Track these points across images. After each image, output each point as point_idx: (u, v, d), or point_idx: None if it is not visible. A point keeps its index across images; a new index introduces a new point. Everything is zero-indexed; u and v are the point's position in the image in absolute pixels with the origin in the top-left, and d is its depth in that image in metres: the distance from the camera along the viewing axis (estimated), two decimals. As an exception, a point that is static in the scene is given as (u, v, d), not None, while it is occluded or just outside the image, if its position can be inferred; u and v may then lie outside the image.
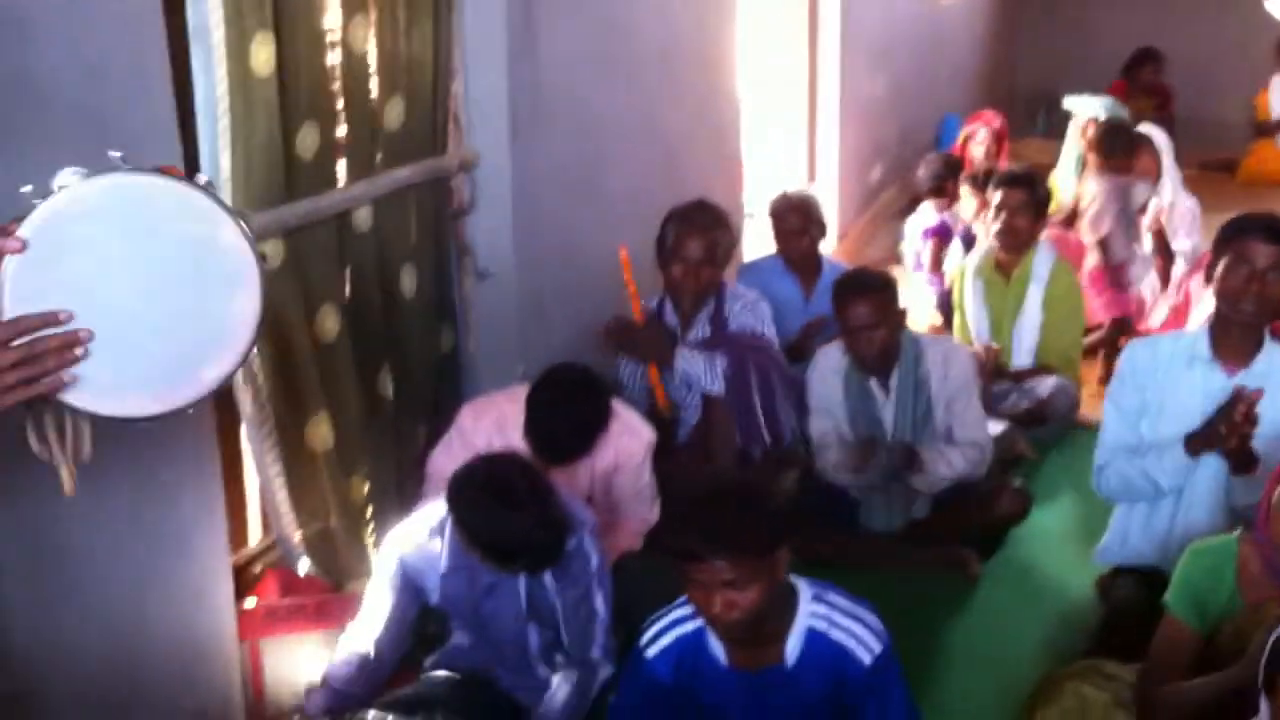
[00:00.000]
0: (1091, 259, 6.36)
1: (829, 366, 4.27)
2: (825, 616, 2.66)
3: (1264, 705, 2.13)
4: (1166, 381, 3.49)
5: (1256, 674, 2.66)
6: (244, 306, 1.86)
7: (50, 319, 1.66)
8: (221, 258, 1.84)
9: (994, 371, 5.20)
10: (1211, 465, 3.45)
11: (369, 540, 3.80)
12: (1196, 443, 3.38)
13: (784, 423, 4.43)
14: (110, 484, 2.76)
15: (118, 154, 1.78)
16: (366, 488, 3.82)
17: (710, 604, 2.53)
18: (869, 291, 4.11)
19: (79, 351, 1.66)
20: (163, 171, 1.81)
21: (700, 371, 4.28)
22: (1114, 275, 6.31)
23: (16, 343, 1.64)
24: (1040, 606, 4.02)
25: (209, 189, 1.85)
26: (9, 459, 2.54)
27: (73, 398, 1.73)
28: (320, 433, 3.55)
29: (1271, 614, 2.71)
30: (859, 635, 2.65)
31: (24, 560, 2.61)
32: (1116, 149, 6.58)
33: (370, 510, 3.84)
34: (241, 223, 1.85)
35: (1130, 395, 3.57)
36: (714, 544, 2.48)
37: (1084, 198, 6.54)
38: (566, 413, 3.56)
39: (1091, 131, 7.42)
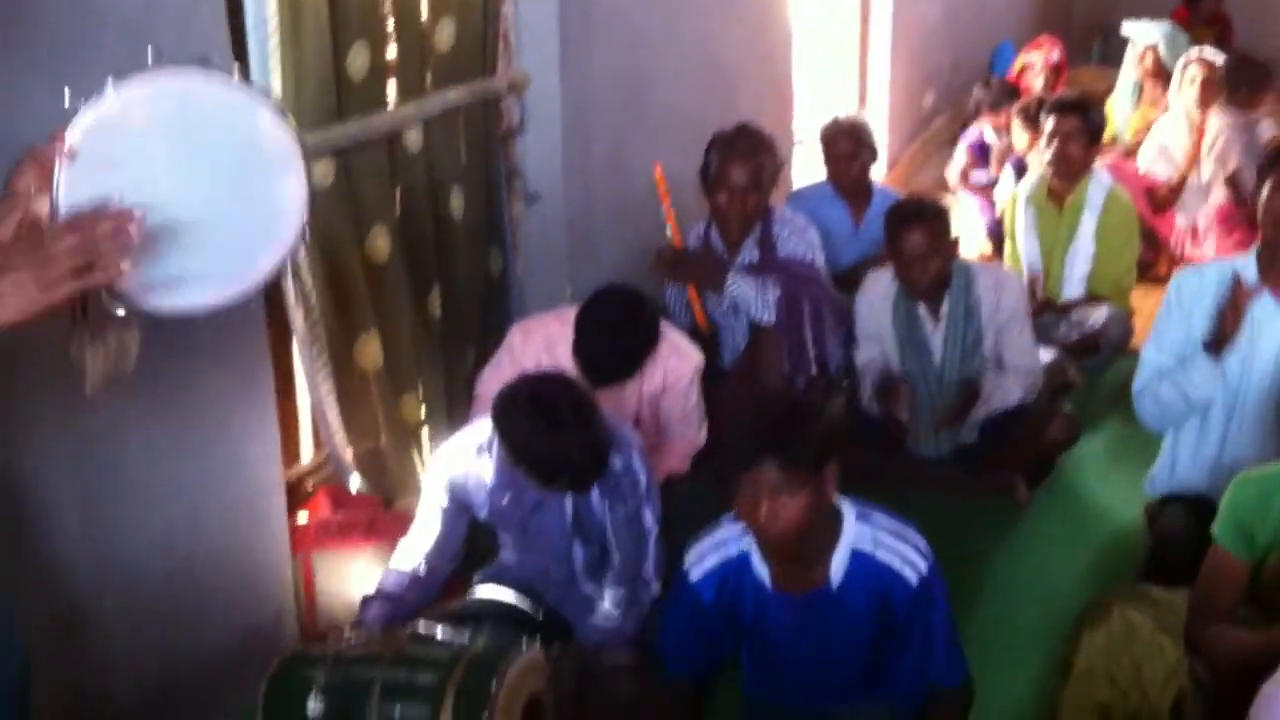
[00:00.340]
0: (1218, 196, 6.22)
1: (878, 293, 4.26)
2: (871, 538, 2.66)
3: None
4: (1214, 308, 3.45)
5: None
6: (291, 189, 1.88)
7: (102, 207, 1.67)
8: (264, 144, 1.85)
9: (1042, 305, 5.17)
10: (1260, 391, 3.42)
11: (419, 460, 3.84)
12: (1215, 342, 3.38)
13: (831, 354, 4.42)
14: (163, 399, 2.81)
15: (151, 52, 1.78)
16: (418, 408, 3.85)
17: (756, 513, 2.51)
18: (923, 220, 4.07)
19: (133, 230, 1.66)
20: (198, 64, 1.82)
21: (751, 299, 4.26)
22: (1245, 213, 6.13)
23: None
24: (1088, 533, 4.01)
25: (243, 79, 1.86)
26: (60, 376, 2.59)
27: (131, 294, 1.74)
28: (370, 352, 3.58)
29: None
30: (905, 555, 2.65)
31: (77, 476, 2.65)
32: (1241, 83, 6.39)
33: (420, 430, 3.87)
34: (278, 108, 1.86)
35: (1176, 325, 3.54)
36: (764, 448, 2.48)
37: (1206, 133, 6.34)
38: (615, 334, 3.57)
39: (1150, 59, 7.30)
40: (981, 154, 6.78)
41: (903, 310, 4.20)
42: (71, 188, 1.69)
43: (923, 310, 4.17)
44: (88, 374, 1.84)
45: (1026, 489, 4.17)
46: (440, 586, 3.33)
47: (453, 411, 3.93)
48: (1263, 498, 2.81)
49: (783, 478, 2.48)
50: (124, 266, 1.66)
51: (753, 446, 2.50)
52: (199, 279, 1.83)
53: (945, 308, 4.14)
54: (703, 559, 2.77)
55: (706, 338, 4.39)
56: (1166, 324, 3.58)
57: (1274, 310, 3.40)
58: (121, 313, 1.76)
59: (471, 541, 3.42)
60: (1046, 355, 4.58)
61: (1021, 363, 4.17)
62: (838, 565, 2.65)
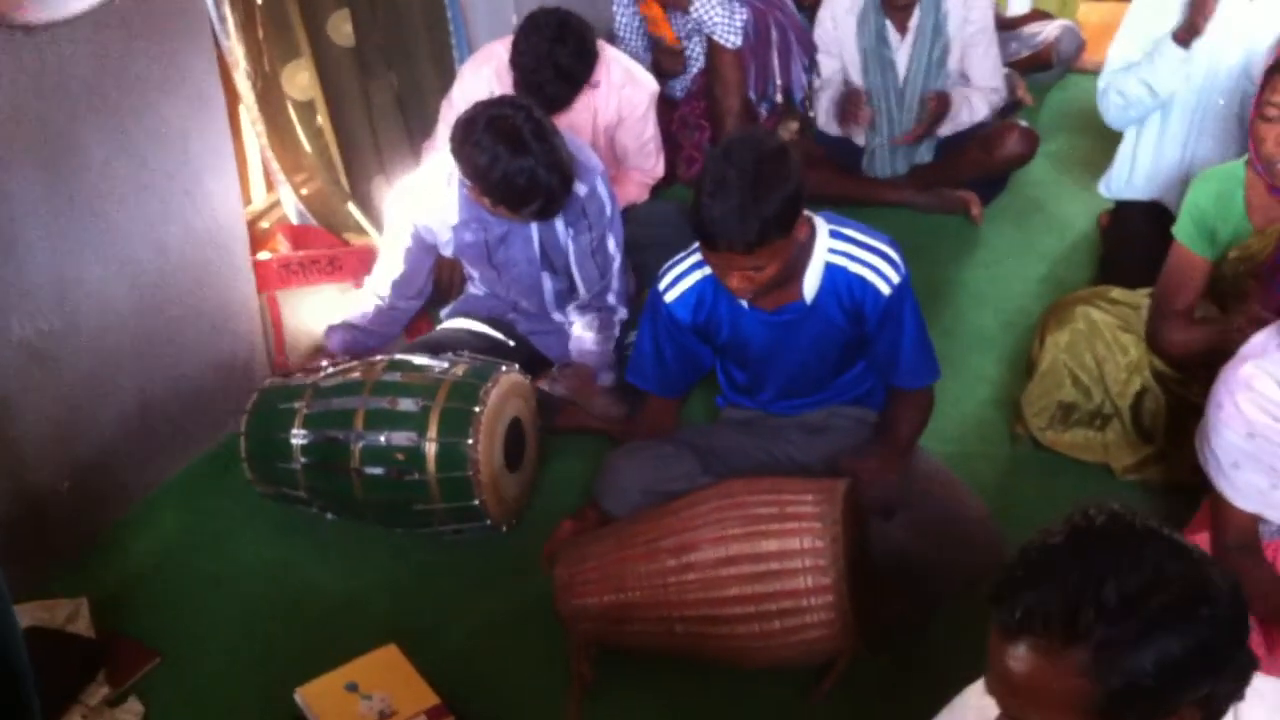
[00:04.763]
0: None
1: (842, 6, 4.16)
2: (843, 252, 2.64)
3: None
4: None
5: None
6: None
7: None
8: None
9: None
10: (1226, 89, 3.43)
11: (369, 198, 3.78)
12: (1182, 31, 3.37)
13: (796, 81, 4.36)
14: (119, 129, 2.73)
15: None
16: (357, 142, 3.76)
17: (728, 279, 2.51)
18: None
19: None
20: None
21: (719, 20, 4.17)
22: None
23: None
24: (1042, 244, 4.07)
25: None
26: (26, 112, 2.51)
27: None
28: (299, 81, 3.47)
29: (1275, 233, 2.74)
30: (877, 267, 2.64)
31: (44, 208, 2.60)
32: None
33: (362, 167, 3.79)
34: None
35: (1147, 17, 3.50)
36: (731, 239, 2.40)
37: None
38: (548, 51, 3.48)
39: None
40: None
41: (870, 23, 4.10)
42: None
43: (889, 23, 4.09)
44: None
45: (980, 206, 4.20)
46: (405, 321, 3.33)
47: (379, 147, 3.85)
48: (1223, 194, 2.84)
49: (754, 261, 2.44)
50: None
51: (719, 237, 2.40)
52: None
53: (914, 21, 4.06)
54: (677, 281, 2.75)
55: (667, 72, 4.31)
56: (1136, 16, 3.54)
57: (1244, 3, 3.38)
58: None
59: (437, 282, 3.42)
60: (999, 73, 4.55)
61: (987, 80, 4.14)
62: (812, 281, 2.63)
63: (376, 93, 3.85)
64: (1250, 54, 3.37)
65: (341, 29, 3.69)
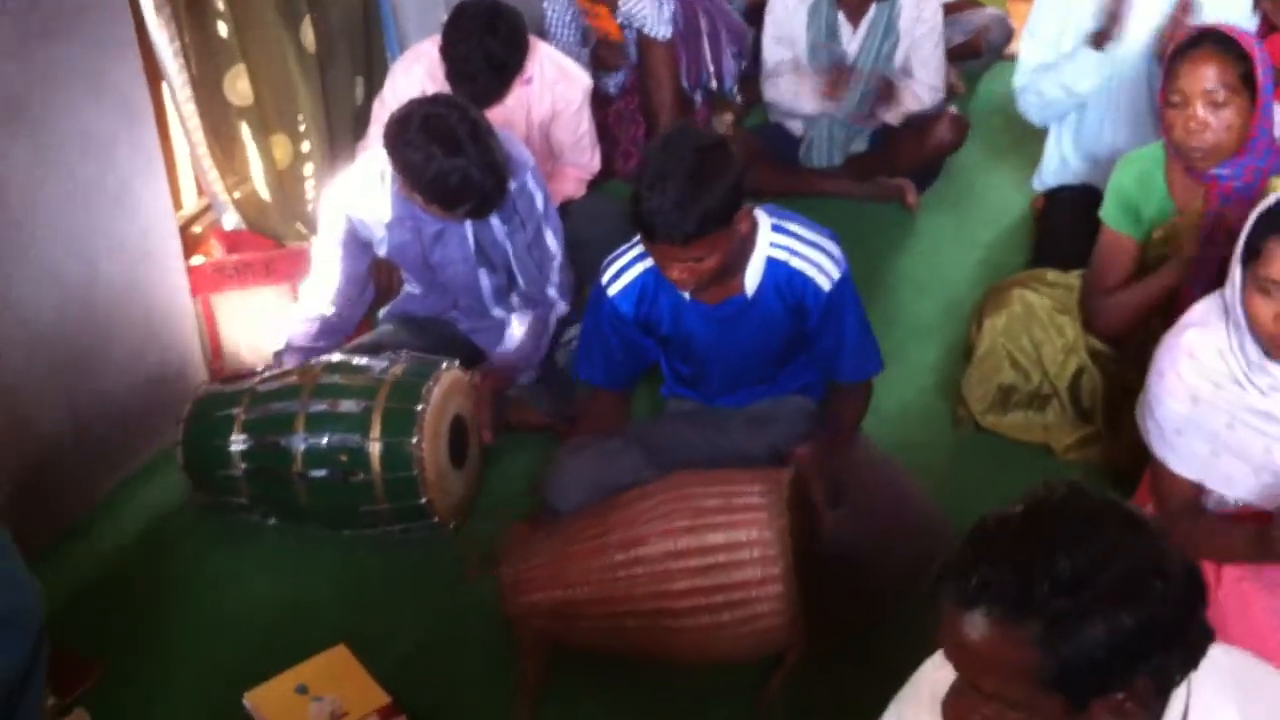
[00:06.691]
0: None
1: None
2: (785, 246, 2.65)
3: (1237, 274, 2.13)
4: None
5: (1185, 272, 2.78)
6: None
7: None
8: None
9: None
10: (1134, 73, 3.50)
11: (307, 198, 3.74)
12: (1098, 35, 3.42)
13: (726, 71, 4.38)
14: (41, 136, 2.69)
15: None
16: (291, 148, 3.72)
17: (669, 270, 2.51)
18: None
19: None
20: None
21: (647, 12, 4.17)
22: None
23: None
24: (978, 230, 4.11)
25: None
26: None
27: None
28: (239, 88, 3.43)
29: (1198, 214, 2.79)
30: (819, 263, 2.65)
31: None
32: None
33: (297, 169, 3.75)
34: None
35: (1052, 16, 3.56)
36: (670, 231, 2.40)
37: None
38: (482, 44, 3.45)
39: None
40: None
41: (821, 14, 4.12)
42: None
43: (842, 16, 4.12)
44: None
45: (916, 193, 4.23)
46: (350, 329, 3.30)
47: (334, 149, 3.81)
48: (1144, 175, 2.91)
49: (695, 252, 2.44)
50: None
51: (658, 229, 2.40)
52: None
53: (870, 15, 4.09)
54: (619, 274, 2.75)
55: (616, 46, 4.31)
56: (1042, 15, 3.60)
57: None
58: None
59: (376, 284, 3.39)
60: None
61: (931, 78, 4.18)
62: (753, 274, 2.64)
63: (334, 100, 3.83)
64: (1153, 36, 3.44)
65: (308, 35, 3.66)
